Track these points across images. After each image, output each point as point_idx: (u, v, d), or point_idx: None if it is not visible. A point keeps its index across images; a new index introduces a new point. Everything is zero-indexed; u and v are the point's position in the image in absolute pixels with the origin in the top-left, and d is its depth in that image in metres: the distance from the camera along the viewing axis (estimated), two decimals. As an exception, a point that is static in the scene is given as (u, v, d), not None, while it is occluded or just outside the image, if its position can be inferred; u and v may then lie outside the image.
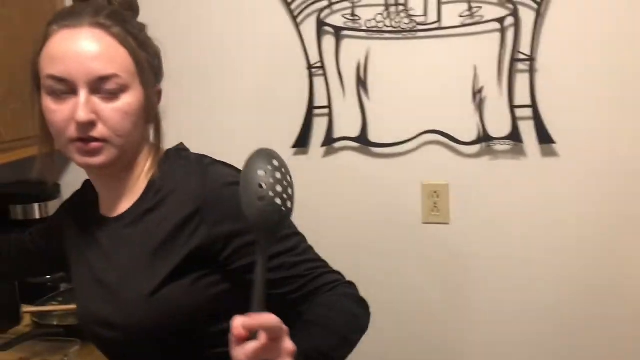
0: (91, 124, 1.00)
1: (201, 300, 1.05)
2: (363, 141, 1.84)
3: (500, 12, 1.69)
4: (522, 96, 1.71)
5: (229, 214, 1.01)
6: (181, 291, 1.03)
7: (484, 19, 1.70)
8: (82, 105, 0.99)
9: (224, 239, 1.02)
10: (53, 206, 1.93)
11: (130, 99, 1.03)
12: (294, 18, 1.82)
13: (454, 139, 1.78)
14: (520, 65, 1.70)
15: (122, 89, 1.02)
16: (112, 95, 1.01)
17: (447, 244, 1.84)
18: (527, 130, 1.73)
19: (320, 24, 1.80)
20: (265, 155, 0.84)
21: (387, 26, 1.77)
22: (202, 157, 1.11)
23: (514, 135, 1.73)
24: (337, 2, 1.79)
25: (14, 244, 1.40)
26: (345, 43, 1.81)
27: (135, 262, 1.06)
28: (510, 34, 1.69)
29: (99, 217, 1.15)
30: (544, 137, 1.71)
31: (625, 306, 1.75)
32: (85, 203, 1.20)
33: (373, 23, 1.77)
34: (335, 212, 1.90)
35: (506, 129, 1.74)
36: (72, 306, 1.78)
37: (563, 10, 1.66)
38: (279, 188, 0.82)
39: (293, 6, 1.82)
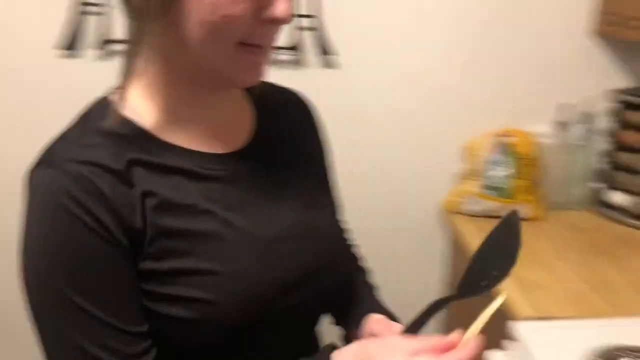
0: None
1: None
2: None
3: None
4: (307, 6, 1.71)
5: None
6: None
7: None
8: None
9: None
10: None
11: None
12: None
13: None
14: (306, -26, 1.69)
15: None
16: None
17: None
18: (310, 41, 1.74)
19: None
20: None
21: None
22: None
23: (297, 46, 1.74)
24: None
25: None
26: None
27: (314, 186, 0.95)
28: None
29: (200, 158, 0.80)
30: (326, 49, 1.74)
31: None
32: (142, 154, 0.78)
33: None
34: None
35: (289, 39, 1.73)
36: None
37: None
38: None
39: None
